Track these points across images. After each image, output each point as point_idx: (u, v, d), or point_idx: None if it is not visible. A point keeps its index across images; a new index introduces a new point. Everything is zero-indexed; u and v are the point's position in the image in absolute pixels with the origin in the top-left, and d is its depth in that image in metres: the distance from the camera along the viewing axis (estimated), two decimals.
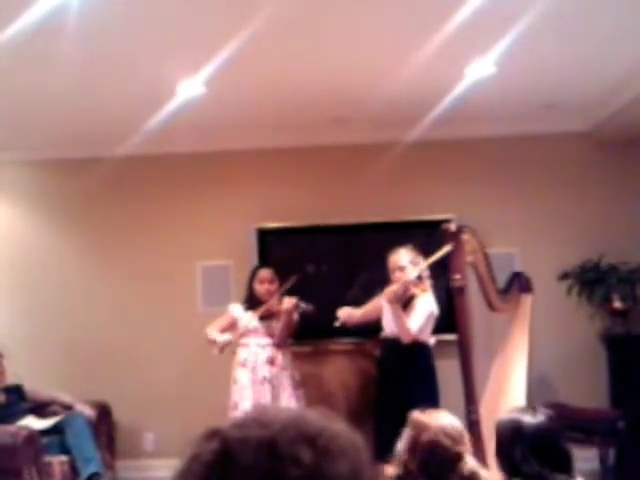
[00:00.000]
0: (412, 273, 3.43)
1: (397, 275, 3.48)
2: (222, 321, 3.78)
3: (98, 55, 3.25)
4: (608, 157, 4.63)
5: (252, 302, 3.77)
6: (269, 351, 3.70)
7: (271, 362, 3.69)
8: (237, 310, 3.81)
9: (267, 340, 3.72)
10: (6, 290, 4.85)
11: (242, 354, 3.73)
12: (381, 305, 3.58)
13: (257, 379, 3.65)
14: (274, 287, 3.75)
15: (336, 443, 0.67)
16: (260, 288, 3.76)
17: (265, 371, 3.66)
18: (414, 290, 3.47)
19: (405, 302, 3.45)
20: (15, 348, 4.51)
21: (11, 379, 4.26)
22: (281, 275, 3.80)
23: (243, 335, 3.74)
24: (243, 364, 3.70)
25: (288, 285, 3.69)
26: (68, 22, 2.79)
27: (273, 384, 3.65)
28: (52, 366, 4.69)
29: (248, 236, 4.57)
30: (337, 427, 0.70)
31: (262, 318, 3.73)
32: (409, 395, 3.26)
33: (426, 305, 3.45)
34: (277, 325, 3.72)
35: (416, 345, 3.41)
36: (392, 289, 3.37)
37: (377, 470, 3.37)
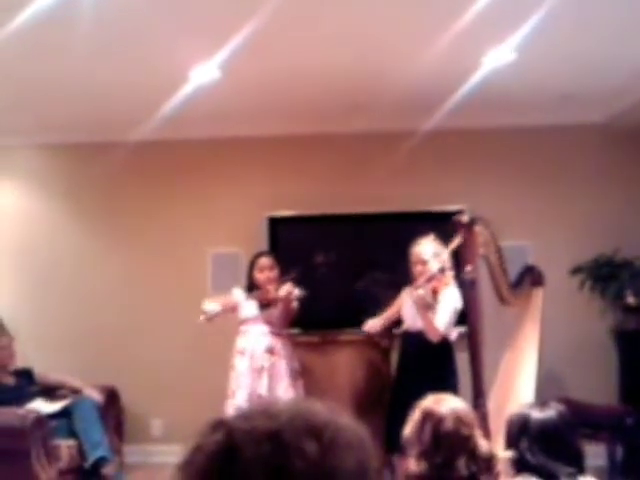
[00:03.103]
0: (435, 267, 3.38)
1: (419, 269, 3.42)
2: (222, 299, 3.76)
3: (111, 40, 3.23)
4: (625, 149, 4.57)
5: (252, 290, 3.77)
6: (268, 340, 3.69)
7: (270, 351, 3.67)
8: (239, 295, 3.79)
9: (266, 328, 3.71)
10: (17, 273, 4.87)
11: (241, 342, 3.72)
12: (401, 303, 3.57)
13: (255, 367, 3.64)
14: (274, 274, 3.73)
15: (342, 436, 0.66)
16: (260, 276, 3.75)
17: (264, 360, 3.64)
18: (437, 285, 3.42)
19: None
20: (25, 331, 4.54)
21: (21, 362, 4.28)
22: (288, 263, 3.78)
23: (242, 322, 3.71)
24: (241, 352, 3.70)
25: (289, 277, 3.67)
26: (81, 8, 2.77)
27: (271, 373, 3.63)
28: (61, 350, 4.71)
29: (259, 224, 4.56)
30: (344, 420, 0.69)
31: (262, 306, 3.71)
32: (429, 391, 3.23)
33: (450, 300, 3.40)
34: (276, 313, 3.71)
35: (439, 342, 3.38)
36: (424, 297, 3.33)
37: (389, 461, 3.38)
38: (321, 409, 0.69)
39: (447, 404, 1.92)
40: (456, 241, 3.32)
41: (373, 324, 3.59)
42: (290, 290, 3.61)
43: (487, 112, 4.43)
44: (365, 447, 0.68)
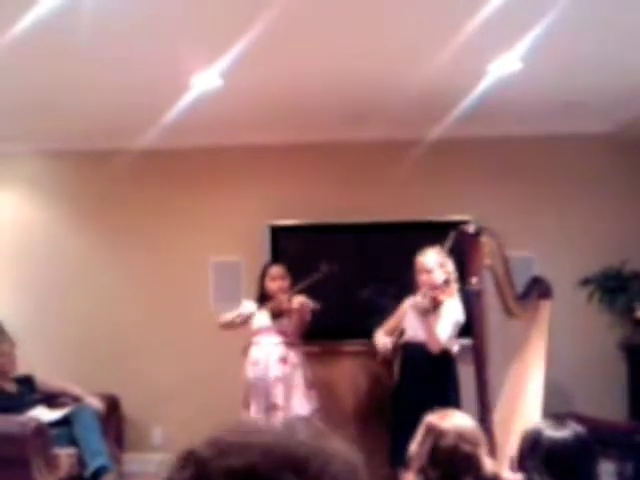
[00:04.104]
0: (440, 277, 3.35)
1: (424, 278, 3.40)
2: (236, 312, 3.74)
3: (112, 48, 3.22)
4: (631, 159, 4.50)
5: (263, 299, 3.74)
6: (281, 350, 3.66)
7: (283, 361, 3.65)
8: (250, 307, 3.77)
9: (279, 338, 3.68)
10: (19, 280, 4.87)
11: (253, 353, 3.70)
12: (403, 313, 3.53)
13: (269, 378, 3.61)
14: (286, 284, 3.72)
15: (329, 470, 0.60)
16: (272, 285, 3.73)
17: (277, 370, 3.62)
18: (441, 296, 3.38)
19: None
20: (27, 338, 4.52)
21: (23, 369, 4.26)
22: (292, 272, 3.75)
23: (255, 333, 3.69)
24: (255, 363, 3.68)
25: (305, 284, 3.64)
26: (83, 14, 2.76)
27: (286, 383, 3.60)
28: (63, 357, 4.69)
29: (261, 232, 4.52)
30: (333, 448, 0.62)
31: (274, 316, 3.68)
32: (430, 403, 3.19)
33: (453, 312, 3.37)
34: (288, 323, 3.67)
35: (441, 353, 3.35)
36: (422, 302, 3.31)
37: (395, 476, 3.34)
38: (305, 439, 0.62)
39: (451, 420, 1.88)
40: (450, 240, 3.29)
41: (384, 344, 3.53)
42: (303, 302, 3.59)
43: (492, 121, 4.38)
44: (357, 477, 0.62)
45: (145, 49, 3.27)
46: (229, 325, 3.71)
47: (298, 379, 3.65)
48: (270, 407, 3.57)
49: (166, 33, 3.11)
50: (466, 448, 1.79)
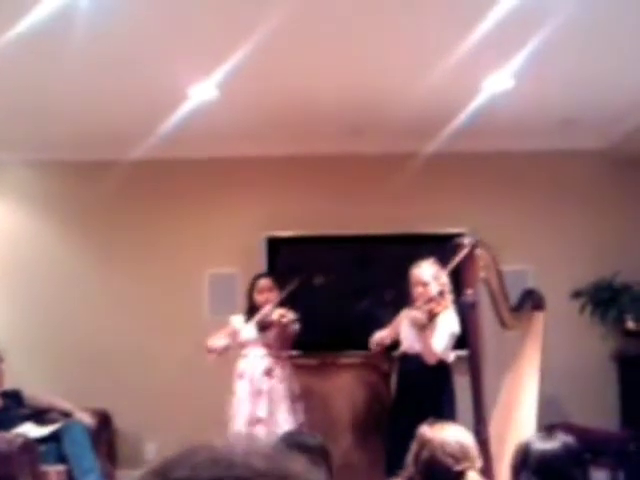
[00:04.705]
0: (435, 289, 3.37)
1: (419, 290, 3.43)
2: (223, 333, 3.75)
3: (108, 56, 3.20)
4: (624, 175, 4.60)
5: (252, 312, 3.74)
6: (266, 362, 3.66)
7: (268, 373, 3.64)
8: (238, 322, 3.78)
9: (264, 351, 3.67)
10: (8, 293, 4.78)
11: (240, 365, 3.70)
12: (399, 324, 3.55)
13: (254, 391, 3.60)
14: (273, 296, 3.71)
15: None
16: (259, 298, 3.74)
17: (262, 383, 3.61)
18: (436, 308, 3.41)
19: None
20: (17, 352, 4.43)
21: (10, 383, 4.18)
22: (284, 284, 3.76)
23: (242, 345, 3.69)
24: (240, 375, 3.67)
25: (285, 294, 3.66)
26: (77, 22, 2.74)
27: (270, 397, 3.59)
28: (54, 371, 4.61)
29: (257, 244, 4.52)
30: (292, 471, 0.60)
31: (262, 329, 3.68)
32: (426, 414, 3.19)
33: (448, 324, 3.39)
34: (274, 336, 3.68)
35: (437, 364, 3.36)
36: (419, 317, 3.33)
37: None
38: (264, 461, 0.60)
39: (440, 431, 1.87)
40: (457, 259, 3.30)
41: (381, 336, 3.54)
42: (282, 313, 3.59)
43: (488, 136, 4.45)
44: None
45: (142, 59, 3.26)
46: (219, 352, 3.66)
47: (284, 392, 3.63)
48: (253, 420, 3.55)
49: (163, 43, 3.11)
50: (446, 461, 1.77)
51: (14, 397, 4.09)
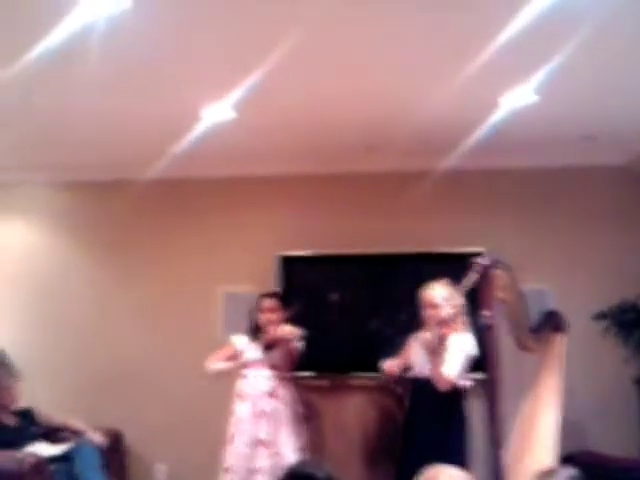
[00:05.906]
0: (446, 311, 3.28)
1: (430, 313, 3.35)
2: (222, 353, 3.73)
3: (124, 77, 3.22)
4: None
5: (255, 332, 3.71)
6: (270, 383, 3.61)
7: (272, 395, 3.60)
8: (239, 341, 3.75)
9: (268, 372, 3.62)
10: (25, 312, 4.83)
11: (239, 386, 3.66)
12: (410, 349, 3.47)
13: (256, 412, 3.55)
14: (275, 316, 3.68)
15: None
16: (262, 317, 3.72)
17: (265, 404, 3.56)
18: (447, 330, 3.31)
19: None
20: (31, 371, 4.46)
21: (26, 401, 4.17)
22: (303, 303, 3.74)
23: (243, 366, 3.65)
24: (240, 396, 3.63)
25: (288, 315, 3.64)
26: (94, 44, 2.76)
27: (273, 418, 3.53)
28: (67, 390, 4.61)
29: (272, 263, 4.49)
30: None
31: (266, 349, 3.64)
32: (437, 442, 3.10)
33: (460, 347, 3.29)
34: (279, 356, 3.63)
35: (451, 389, 3.25)
36: (430, 340, 3.26)
37: None
38: None
39: None
40: (471, 278, 3.23)
41: (392, 364, 3.46)
42: (289, 330, 3.54)
43: (506, 153, 4.37)
44: None
45: (156, 80, 3.27)
46: (222, 374, 3.64)
47: (287, 414, 3.58)
48: (255, 442, 3.50)
49: (178, 65, 3.12)
50: None
51: (26, 415, 4.11)
